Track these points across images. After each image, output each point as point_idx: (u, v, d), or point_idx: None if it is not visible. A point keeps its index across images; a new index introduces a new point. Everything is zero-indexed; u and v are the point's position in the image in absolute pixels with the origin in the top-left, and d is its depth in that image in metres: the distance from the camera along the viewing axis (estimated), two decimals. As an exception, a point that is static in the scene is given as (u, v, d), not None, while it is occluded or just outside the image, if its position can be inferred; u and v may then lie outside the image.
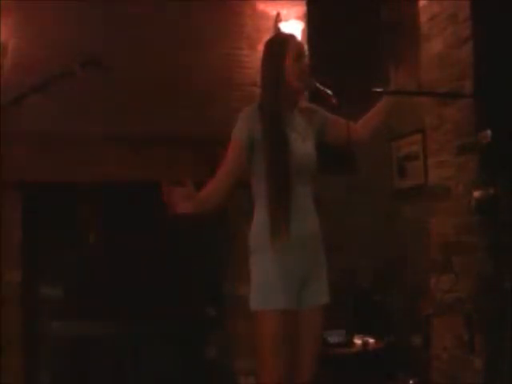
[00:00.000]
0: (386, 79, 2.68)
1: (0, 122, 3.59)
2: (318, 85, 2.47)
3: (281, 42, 2.53)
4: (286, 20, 4.39)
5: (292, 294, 2.39)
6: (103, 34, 4.10)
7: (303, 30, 4.42)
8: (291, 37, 2.57)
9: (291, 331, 2.38)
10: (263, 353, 2.37)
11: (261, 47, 2.60)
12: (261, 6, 4.44)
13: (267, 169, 2.41)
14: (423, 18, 3.98)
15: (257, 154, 2.44)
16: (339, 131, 2.60)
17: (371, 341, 4.56)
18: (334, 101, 2.40)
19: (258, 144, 2.43)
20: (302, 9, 4.51)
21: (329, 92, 2.42)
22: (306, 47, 2.58)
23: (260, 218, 2.44)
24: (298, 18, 4.45)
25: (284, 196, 2.38)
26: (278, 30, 4.32)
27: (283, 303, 2.36)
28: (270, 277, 2.38)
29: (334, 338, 4.48)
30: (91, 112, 4.06)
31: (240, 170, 2.45)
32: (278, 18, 4.40)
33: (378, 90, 2.69)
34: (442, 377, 3.71)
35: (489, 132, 3.03)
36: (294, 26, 4.32)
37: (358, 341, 4.56)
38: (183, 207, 2.24)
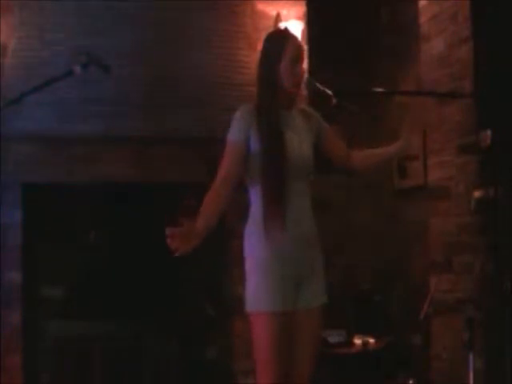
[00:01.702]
0: (386, 79, 2.69)
1: (0, 122, 3.60)
2: (317, 85, 2.46)
3: (279, 41, 2.48)
4: (286, 20, 4.39)
5: (288, 295, 2.38)
6: (103, 33, 4.10)
7: (303, 30, 4.42)
8: (291, 37, 2.52)
9: (288, 332, 2.37)
10: (261, 354, 2.37)
11: (260, 47, 2.59)
12: (261, 6, 4.44)
13: (262, 168, 2.39)
14: (423, 18, 3.98)
15: (253, 153, 2.42)
16: (333, 148, 2.61)
17: (371, 341, 4.55)
18: (334, 101, 2.40)
19: (254, 143, 2.42)
20: (301, 9, 4.51)
21: (329, 92, 2.42)
22: (305, 49, 2.55)
23: (255, 217, 2.43)
24: (298, 17, 4.44)
25: (278, 195, 2.37)
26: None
27: (279, 305, 2.35)
28: (266, 278, 2.37)
29: (334, 337, 4.47)
30: (91, 112, 4.05)
31: (239, 173, 2.44)
32: (278, 18, 4.39)
33: (378, 90, 2.70)
34: (442, 377, 3.71)
35: (489, 132, 3.03)
36: (294, 26, 4.31)
37: (357, 341, 4.56)
38: (185, 248, 2.22)
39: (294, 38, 2.54)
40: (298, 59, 2.45)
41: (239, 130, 2.43)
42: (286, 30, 2.67)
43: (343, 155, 2.63)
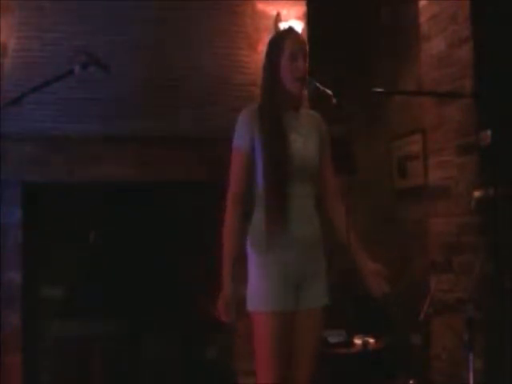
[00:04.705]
0: (386, 79, 2.68)
1: (0, 122, 3.60)
2: (317, 85, 2.46)
3: (278, 40, 2.49)
4: (286, 20, 4.39)
5: (289, 295, 2.38)
6: (103, 33, 4.10)
7: (303, 30, 4.42)
8: (290, 34, 2.52)
9: (288, 332, 2.37)
10: (261, 354, 2.38)
11: (261, 47, 2.60)
12: (261, 6, 4.44)
13: (264, 169, 2.39)
14: (423, 18, 3.98)
15: (258, 153, 2.42)
16: (322, 169, 2.54)
17: (371, 341, 4.55)
18: (333, 101, 2.40)
19: (258, 145, 2.42)
20: (301, 9, 4.51)
21: (329, 92, 2.41)
22: (306, 46, 2.54)
23: (258, 218, 2.43)
24: (298, 17, 4.44)
25: (281, 196, 2.37)
26: (278, 30, 4.31)
27: (279, 305, 2.36)
28: (268, 278, 2.38)
29: (334, 338, 4.47)
30: (91, 112, 4.05)
31: (249, 182, 2.45)
32: (277, 18, 4.39)
33: (378, 90, 2.69)
34: (442, 377, 3.71)
35: (489, 132, 3.03)
36: (294, 26, 4.32)
37: (358, 341, 4.56)
38: (231, 315, 2.41)
39: (294, 34, 2.53)
40: (297, 55, 2.44)
41: (244, 134, 2.43)
42: (287, 30, 2.66)
43: (326, 181, 2.58)
